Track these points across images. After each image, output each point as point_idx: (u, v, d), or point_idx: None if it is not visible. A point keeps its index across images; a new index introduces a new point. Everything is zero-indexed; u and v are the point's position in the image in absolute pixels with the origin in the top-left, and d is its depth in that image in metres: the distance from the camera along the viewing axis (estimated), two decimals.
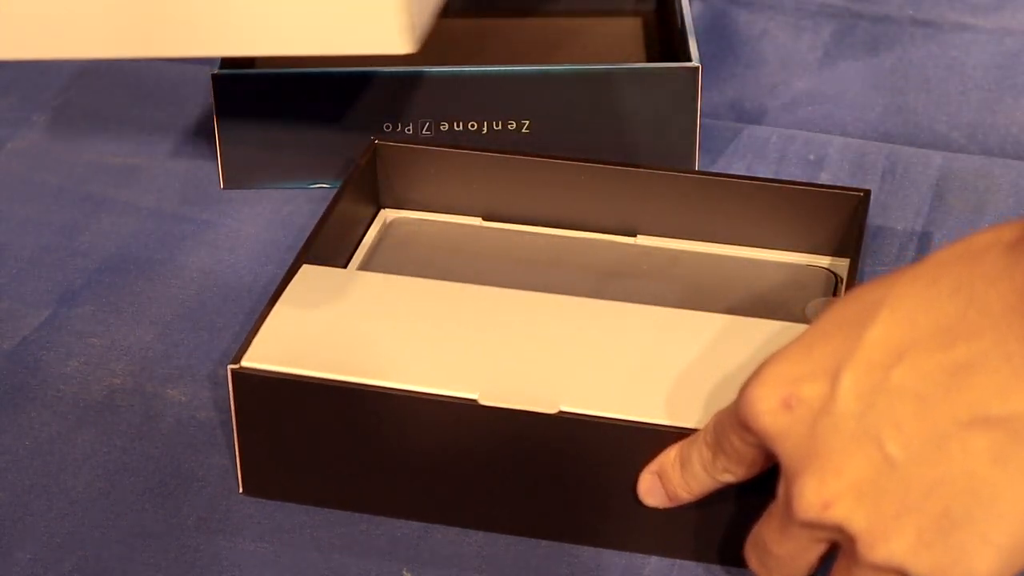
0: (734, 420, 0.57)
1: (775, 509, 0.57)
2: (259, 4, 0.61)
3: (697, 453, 0.60)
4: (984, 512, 0.52)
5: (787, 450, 0.55)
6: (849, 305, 0.55)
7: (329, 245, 0.74)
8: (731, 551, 0.64)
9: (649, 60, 0.92)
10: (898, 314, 0.53)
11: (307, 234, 0.83)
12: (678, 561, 0.65)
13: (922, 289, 0.53)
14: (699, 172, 0.76)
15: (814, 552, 0.57)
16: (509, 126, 0.84)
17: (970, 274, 0.52)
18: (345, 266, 0.76)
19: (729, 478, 0.60)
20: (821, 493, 0.54)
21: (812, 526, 0.55)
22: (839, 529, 0.54)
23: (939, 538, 0.52)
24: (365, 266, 0.77)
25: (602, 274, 0.76)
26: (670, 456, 0.61)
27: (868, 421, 0.53)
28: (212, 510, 0.67)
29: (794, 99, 0.93)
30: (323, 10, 0.60)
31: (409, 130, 0.84)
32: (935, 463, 0.52)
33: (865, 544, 0.53)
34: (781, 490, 0.56)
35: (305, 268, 0.70)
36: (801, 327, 0.66)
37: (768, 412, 0.55)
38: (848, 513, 0.53)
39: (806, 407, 0.54)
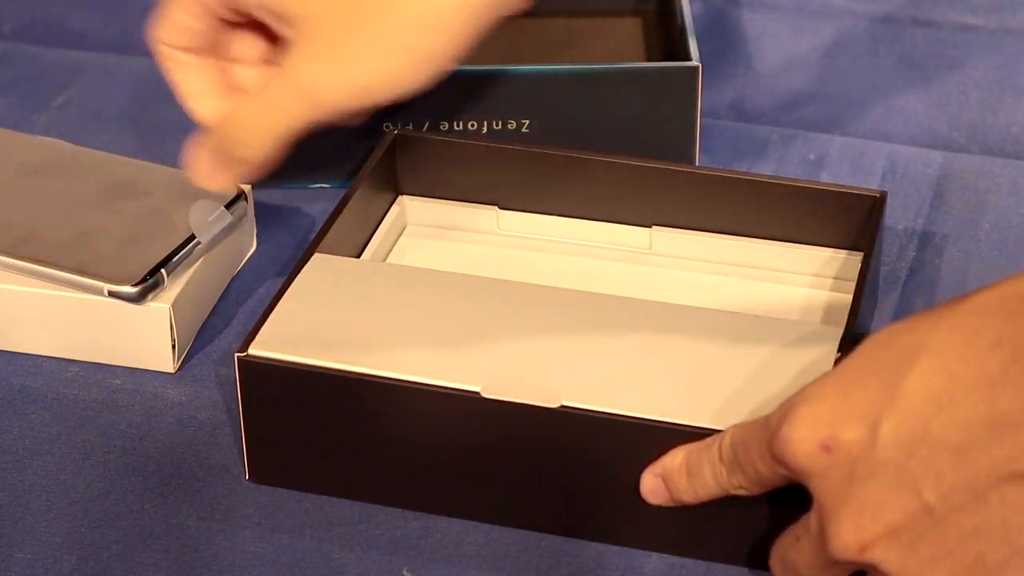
0: (764, 450, 0.57)
1: (807, 537, 0.57)
2: None
3: (709, 465, 0.60)
4: (1019, 559, 0.53)
5: (824, 489, 0.55)
6: (885, 348, 0.55)
7: (345, 232, 0.74)
8: (732, 549, 0.64)
9: (649, 60, 0.92)
10: (938, 363, 0.53)
11: (307, 236, 0.83)
12: (679, 559, 0.65)
13: (962, 339, 0.53)
14: (714, 169, 0.77)
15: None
16: (509, 126, 0.84)
17: (1013, 327, 0.53)
18: (360, 252, 0.76)
19: (742, 493, 0.60)
20: (858, 536, 0.54)
21: (847, 564, 0.56)
22: (874, 568, 0.55)
23: None
24: (379, 254, 0.77)
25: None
26: (676, 461, 0.62)
27: (907, 469, 0.53)
28: (212, 510, 0.67)
29: (794, 99, 0.93)
30: None
31: (409, 129, 0.84)
32: (972, 512, 0.53)
33: None
34: (814, 523, 0.57)
35: (317, 256, 0.70)
36: (811, 324, 0.66)
37: (806, 454, 0.55)
38: (883, 555, 0.54)
39: (844, 451, 0.55)
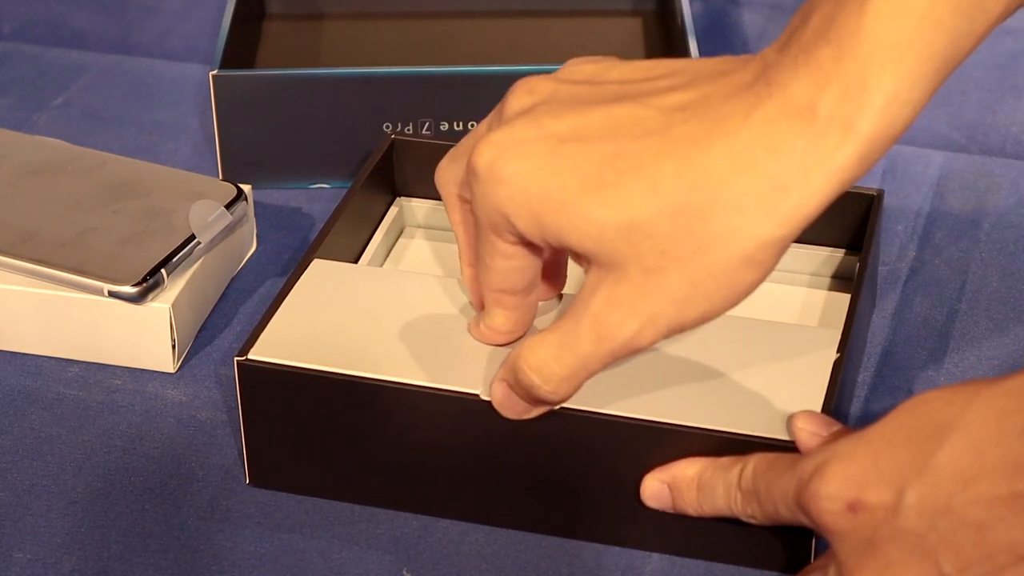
0: (789, 496, 0.58)
1: None
2: None
3: (724, 488, 0.61)
4: None
5: (845, 547, 0.56)
6: (920, 417, 0.56)
7: (344, 234, 0.74)
8: (732, 549, 0.64)
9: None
10: (968, 441, 0.54)
11: (307, 236, 0.83)
12: (679, 559, 0.65)
13: (994, 421, 0.54)
14: None
15: None
16: None
17: None
18: (359, 255, 0.76)
19: (752, 521, 0.61)
20: None
21: None
22: None
23: None
24: (378, 256, 0.77)
25: None
26: (687, 475, 0.62)
27: (928, 540, 0.54)
28: (212, 510, 0.67)
29: None
30: None
31: (409, 130, 0.84)
32: None
33: None
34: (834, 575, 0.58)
35: (316, 262, 0.71)
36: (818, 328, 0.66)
37: (832, 512, 0.56)
38: None
39: (869, 514, 0.55)
